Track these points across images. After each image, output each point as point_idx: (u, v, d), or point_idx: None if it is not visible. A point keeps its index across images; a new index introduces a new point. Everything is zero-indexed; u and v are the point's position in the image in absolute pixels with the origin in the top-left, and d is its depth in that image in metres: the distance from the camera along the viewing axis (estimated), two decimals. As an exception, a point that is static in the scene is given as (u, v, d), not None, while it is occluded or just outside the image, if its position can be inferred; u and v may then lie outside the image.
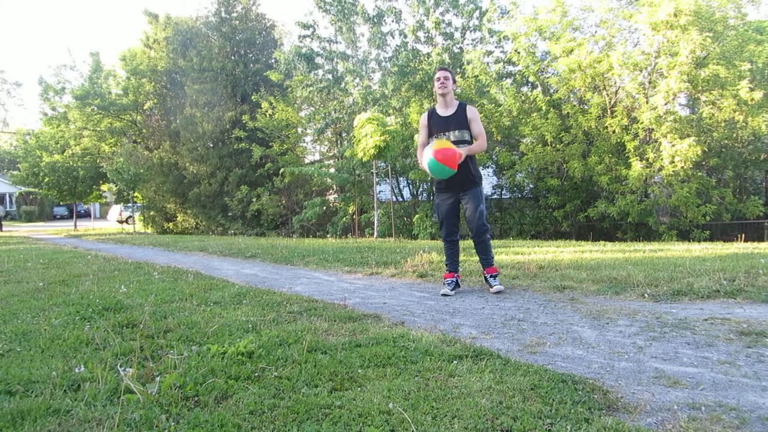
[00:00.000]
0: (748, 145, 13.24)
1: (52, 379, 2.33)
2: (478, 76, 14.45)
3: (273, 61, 21.59)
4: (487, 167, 16.09)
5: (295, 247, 9.61)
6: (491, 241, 4.91)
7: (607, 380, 2.36)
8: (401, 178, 17.20)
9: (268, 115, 19.40)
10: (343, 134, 19.57)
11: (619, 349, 2.84)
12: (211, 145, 22.37)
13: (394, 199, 16.53)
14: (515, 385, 2.24)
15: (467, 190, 4.71)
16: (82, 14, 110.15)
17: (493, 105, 14.42)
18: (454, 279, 4.82)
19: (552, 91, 14.01)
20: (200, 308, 4.03)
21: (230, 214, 21.91)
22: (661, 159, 11.45)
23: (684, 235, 11.79)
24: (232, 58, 22.10)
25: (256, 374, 2.44)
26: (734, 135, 12.61)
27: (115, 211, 35.26)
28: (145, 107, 25.59)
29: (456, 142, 4.61)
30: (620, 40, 13.04)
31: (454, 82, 4.83)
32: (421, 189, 17.55)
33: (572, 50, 12.55)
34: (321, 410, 2.04)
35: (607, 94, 12.99)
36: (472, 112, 4.71)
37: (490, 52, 15.97)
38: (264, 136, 19.75)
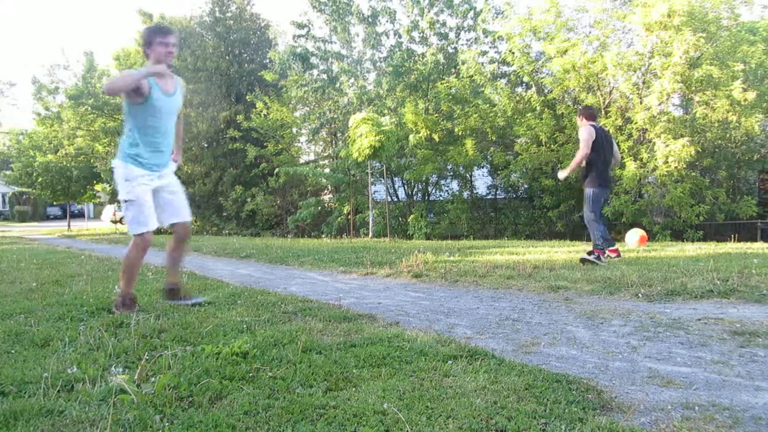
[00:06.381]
0: (742, 145, 13.30)
1: (45, 380, 2.32)
2: (472, 76, 14.47)
3: (268, 61, 21.55)
4: (482, 167, 16.11)
5: (290, 248, 9.60)
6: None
7: (602, 380, 2.37)
8: (396, 179, 17.21)
9: (262, 115, 19.36)
10: (338, 134, 19.56)
11: (613, 349, 2.85)
12: (206, 145, 22.31)
13: (389, 199, 16.54)
14: (510, 385, 2.24)
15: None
16: (76, 14, 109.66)
17: (488, 105, 14.43)
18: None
19: (546, 91, 14.04)
20: (194, 308, 4.02)
21: (225, 214, 21.85)
22: (655, 159, 11.49)
23: (678, 235, 11.83)
24: (227, 57, 22.03)
25: (251, 374, 2.44)
26: (728, 135, 12.67)
27: (109, 211, 35.06)
28: (139, 107, 25.42)
29: None
30: (614, 40, 13.07)
31: (581, 116, 6.28)
32: (416, 189, 17.56)
33: (566, 51, 12.57)
34: (316, 410, 2.04)
35: (601, 95, 13.03)
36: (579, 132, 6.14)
37: (484, 53, 15.99)
38: (259, 136, 19.71)
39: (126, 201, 3.70)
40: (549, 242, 9.57)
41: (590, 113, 6.28)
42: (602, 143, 6.02)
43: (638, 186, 12.22)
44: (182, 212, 3.96)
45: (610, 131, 12.30)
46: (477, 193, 16.60)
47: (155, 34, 3.67)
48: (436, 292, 4.79)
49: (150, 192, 3.76)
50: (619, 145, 12.20)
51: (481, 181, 16.70)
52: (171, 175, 3.97)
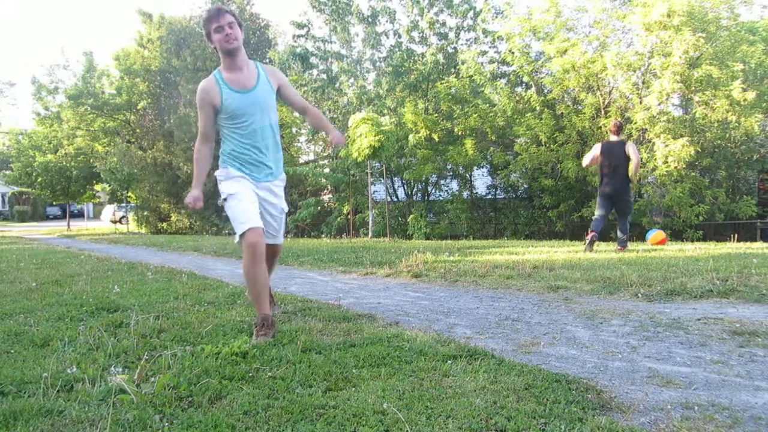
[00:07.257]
0: (741, 145, 13.31)
1: (45, 380, 2.32)
2: (472, 76, 14.48)
3: (267, 60, 21.55)
4: (482, 167, 16.11)
5: (290, 247, 9.59)
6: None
7: (601, 380, 2.37)
8: (396, 178, 17.21)
9: (262, 115, 19.33)
10: (338, 134, 19.55)
11: (613, 348, 2.85)
12: (206, 145, 22.36)
13: (389, 199, 16.54)
14: (509, 384, 2.24)
15: None
16: (76, 14, 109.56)
17: (488, 105, 14.44)
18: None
19: (546, 91, 14.04)
20: (194, 308, 4.02)
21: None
22: (655, 159, 11.50)
23: (677, 235, 11.84)
24: (227, 57, 22.08)
25: (250, 374, 2.44)
26: (727, 135, 12.68)
27: (109, 211, 35.10)
28: (138, 107, 25.47)
29: None
30: (614, 40, 13.07)
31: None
32: (415, 189, 17.56)
33: (566, 50, 12.57)
34: (315, 410, 2.04)
35: (601, 95, 13.03)
36: None
37: (484, 52, 16.00)
38: (258, 135, 19.69)
39: (225, 200, 3.27)
40: (548, 242, 9.57)
41: (611, 128, 7.53)
42: (601, 157, 7.34)
43: (638, 186, 12.22)
44: (275, 237, 3.58)
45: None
46: (477, 193, 16.62)
47: (207, 23, 3.15)
48: (435, 292, 4.79)
49: (251, 189, 3.29)
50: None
51: (481, 181, 16.71)
52: (271, 193, 3.48)
